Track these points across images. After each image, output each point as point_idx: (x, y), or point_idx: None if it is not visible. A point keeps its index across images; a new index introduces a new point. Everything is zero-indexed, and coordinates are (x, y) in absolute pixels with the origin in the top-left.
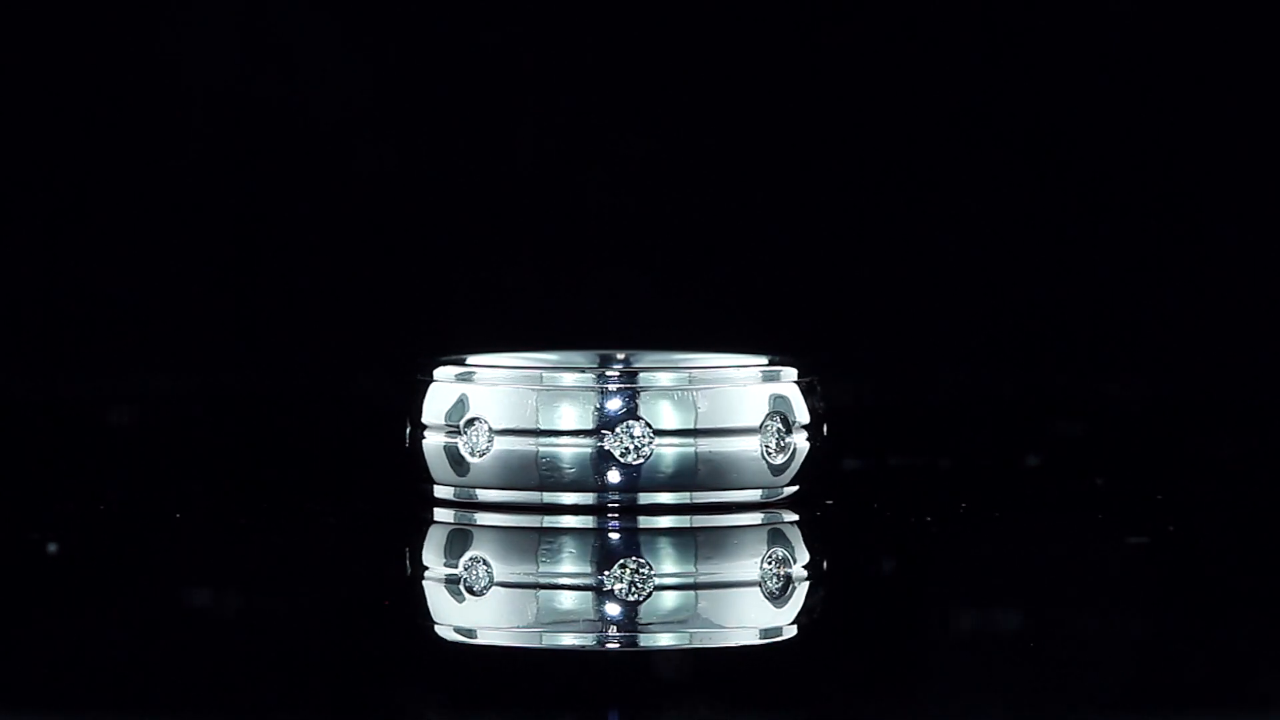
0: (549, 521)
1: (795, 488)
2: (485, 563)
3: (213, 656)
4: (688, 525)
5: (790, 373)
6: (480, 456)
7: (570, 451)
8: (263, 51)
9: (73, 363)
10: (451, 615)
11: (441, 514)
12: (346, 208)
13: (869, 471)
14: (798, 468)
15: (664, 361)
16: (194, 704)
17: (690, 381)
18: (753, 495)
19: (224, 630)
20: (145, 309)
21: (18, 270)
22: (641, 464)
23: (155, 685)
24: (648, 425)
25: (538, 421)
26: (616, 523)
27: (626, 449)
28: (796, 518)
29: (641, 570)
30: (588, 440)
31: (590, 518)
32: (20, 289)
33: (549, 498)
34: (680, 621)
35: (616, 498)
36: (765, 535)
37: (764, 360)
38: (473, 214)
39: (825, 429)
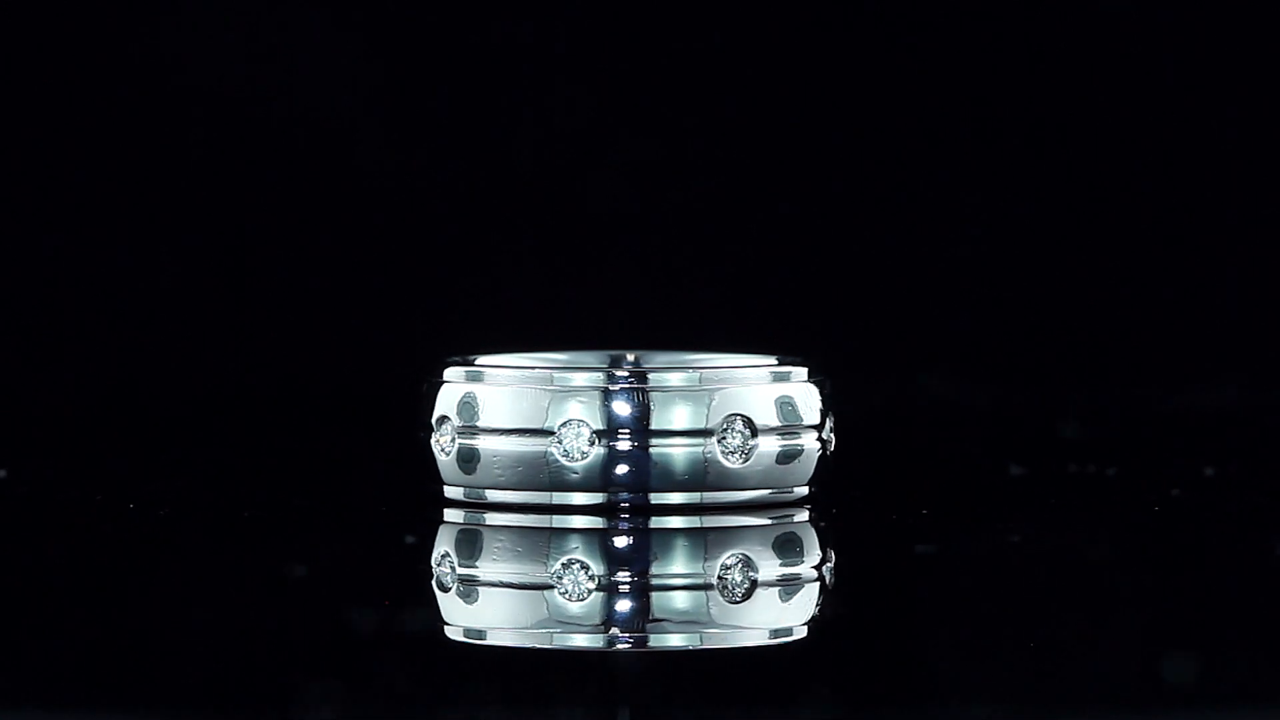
0: (558, 522)
1: (806, 489)
2: (451, 560)
3: (218, 656)
4: (698, 525)
5: (800, 373)
6: (447, 455)
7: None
8: (265, 52)
9: (77, 363)
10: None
11: (451, 514)
12: (356, 209)
13: (885, 474)
14: (812, 469)
15: (674, 362)
16: (200, 703)
17: (700, 382)
18: (762, 496)
19: (230, 630)
20: (149, 311)
21: (22, 269)
22: (581, 464)
23: (161, 684)
24: (586, 426)
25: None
26: (625, 523)
27: (568, 450)
28: (805, 518)
29: (585, 570)
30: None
31: (599, 518)
32: (23, 288)
33: (558, 498)
34: (623, 623)
35: (626, 498)
36: (739, 536)
37: (773, 360)
38: (483, 215)
39: (831, 429)
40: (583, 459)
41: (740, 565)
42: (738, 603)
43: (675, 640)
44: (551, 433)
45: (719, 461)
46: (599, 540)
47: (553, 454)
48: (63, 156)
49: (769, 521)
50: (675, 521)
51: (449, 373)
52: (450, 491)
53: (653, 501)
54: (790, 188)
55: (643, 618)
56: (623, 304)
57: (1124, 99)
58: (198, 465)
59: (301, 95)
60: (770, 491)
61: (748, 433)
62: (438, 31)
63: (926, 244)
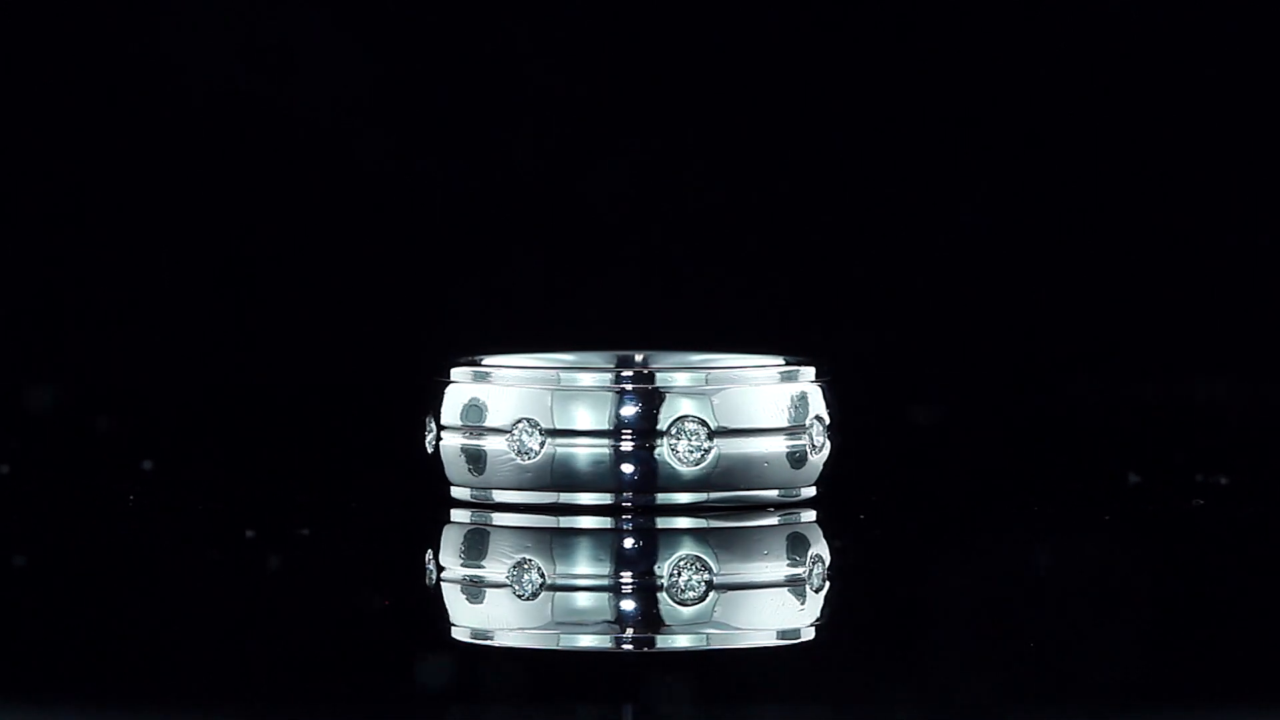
0: (566, 522)
1: (814, 489)
2: (435, 559)
3: (227, 657)
4: (704, 526)
5: (808, 372)
6: (431, 450)
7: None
8: (269, 53)
9: (80, 366)
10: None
11: (458, 515)
12: (363, 210)
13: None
14: (819, 469)
15: (681, 362)
16: (207, 702)
17: (707, 382)
18: (771, 496)
19: (237, 632)
20: (157, 313)
21: (21, 271)
22: (531, 463)
23: (169, 683)
24: (535, 425)
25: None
26: (632, 523)
27: (521, 449)
28: (813, 518)
29: (537, 570)
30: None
31: (607, 518)
32: (22, 288)
33: (566, 498)
34: (567, 624)
35: (633, 498)
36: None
37: (781, 360)
38: (492, 216)
39: (828, 429)
40: (532, 457)
41: (693, 567)
42: (687, 605)
43: (612, 640)
44: (507, 431)
45: (667, 464)
46: (571, 541)
47: (507, 453)
48: (64, 158)
49: (776, 522)
50: (682, 522)
51: (455, 373)
52: (457, 492)
53: (660, 502)
54: (795, 188)
55: (575, 618)
56: (630, 305)
57: (1124, 99)
58: (204, 465)
59: (307, 96)
60: (778, 493)
61: (702, 434)
62: (445, 31)
63: (934, 244)
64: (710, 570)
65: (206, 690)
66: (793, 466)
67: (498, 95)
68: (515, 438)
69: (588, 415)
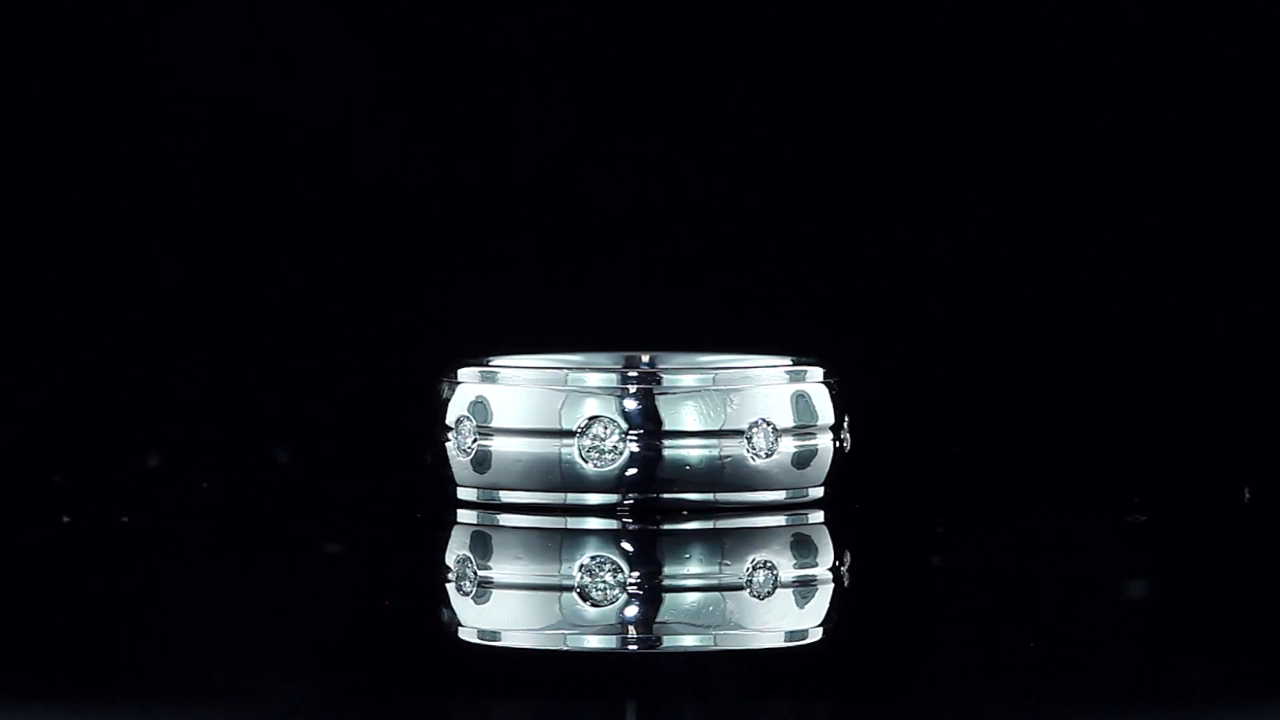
0: (572, 523)
1: (821, 490)
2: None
3: (232, 656)
4: (710, 528)
5: (815, 373)
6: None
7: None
8: (272, 54)
9: (74, 368)
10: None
11: (464, 515)
12: (369, 212)
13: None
14: (825, 469)
15: (688, 363)
16: (213, 701)
17: (714, 383)
18: (777, 496)
19: (242, 631)
20: (165, 316)
21: (18, 273)
22: (468, 460)
23: (175, 682)
24: (473, 421)
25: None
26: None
27: (466, 446)
28: (820, 518)
29: (476, 567)
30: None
31: (613, 519)
32: (20, 291)
33: (572, 498)
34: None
35: (637, 499)
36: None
37: (788, 361)
38: (500, 217)
39: (847, 430)
40: (470, 454)
41: (607, 569)
42: (599, 605)
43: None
44: (451, 428)
45: (576, 463)
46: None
47: (451, 448)
48: (64, 159)
49: (784, 522)
50: (687, 523)
51: (463, 374)
52: (463, 493)
53: (666, 503)
54: (801, 187)
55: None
56: (639, 306)
57: (1127, 100)
58: (210, 467)
59: (308, 97)
60: (785, 494)
61: (604, 433)
62: (445, 32)
63: (945, 244)
64: (624, 572)
65: (208, 691)
66: (719, 472)
67: (505, 95)
68: (457, 433)
69: (468, 412)
